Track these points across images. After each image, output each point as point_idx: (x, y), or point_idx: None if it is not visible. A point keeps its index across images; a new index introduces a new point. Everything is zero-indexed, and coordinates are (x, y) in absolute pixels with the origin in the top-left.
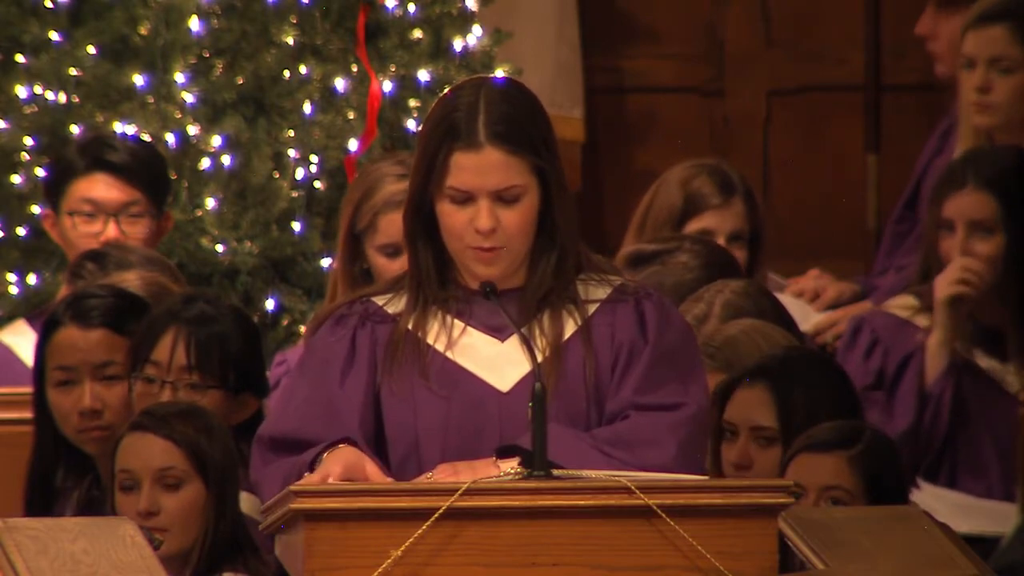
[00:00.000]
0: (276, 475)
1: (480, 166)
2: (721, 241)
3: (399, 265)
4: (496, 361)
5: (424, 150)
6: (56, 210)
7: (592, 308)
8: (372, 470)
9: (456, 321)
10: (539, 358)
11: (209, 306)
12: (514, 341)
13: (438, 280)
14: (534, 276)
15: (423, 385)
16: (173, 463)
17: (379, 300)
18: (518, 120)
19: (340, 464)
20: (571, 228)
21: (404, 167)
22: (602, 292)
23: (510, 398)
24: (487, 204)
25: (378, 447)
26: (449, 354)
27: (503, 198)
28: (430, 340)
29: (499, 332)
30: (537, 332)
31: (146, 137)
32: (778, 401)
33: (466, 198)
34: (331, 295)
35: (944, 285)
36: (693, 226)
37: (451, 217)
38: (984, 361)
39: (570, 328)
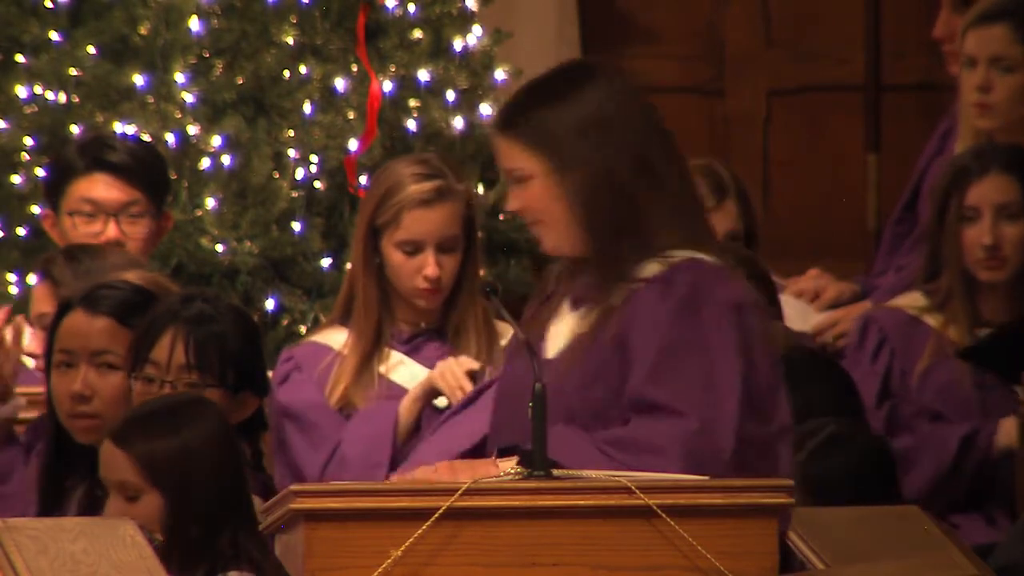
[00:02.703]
0: None
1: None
2: None
3: (416, 263)
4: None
5: None
6: (56, 210)
7: (636, 287)
8: None
9: None
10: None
11: (208, 305)
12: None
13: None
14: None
15: None
16: (129, 479)
17: None
18: (522, 105)
19: None
20: (596, 206)
21: (426, 167)
22: (654, 270)
23: (552, 364)
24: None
25: None
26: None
27: (515, 180)
28: None
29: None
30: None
31: (146, 137)
32: None
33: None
34: (346, 291)
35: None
36: None
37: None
38: None
39: (613, 305)
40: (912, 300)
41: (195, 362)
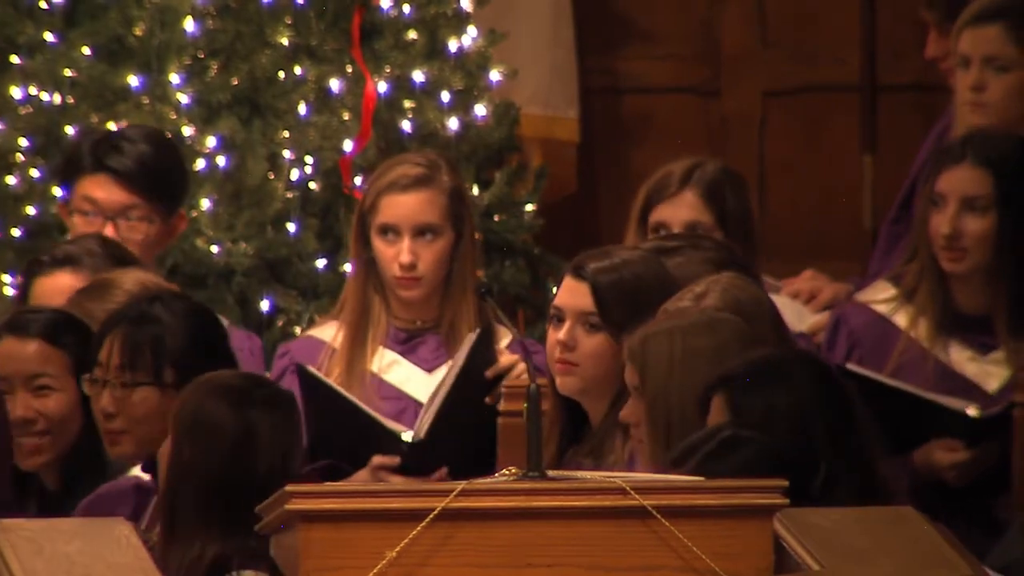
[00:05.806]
0: None
1: None
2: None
3: (394, 251)
4: None
5: None
6: (68, 203)
7: None
8: None
9: None
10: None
11: (156, 305)
12: None
13: None
14: None
15: None
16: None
17: None
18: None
19: None
20: None
21: (415, 156)
22: None
23: None
24: None
25: None
26: None
27: None
28: None
29: None
30: None
31: None
32: None
33: None
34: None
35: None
36: (653, 218)
37: None
38: (960, 354)
39: None
40: (881, 291)
41: (127, 361)
